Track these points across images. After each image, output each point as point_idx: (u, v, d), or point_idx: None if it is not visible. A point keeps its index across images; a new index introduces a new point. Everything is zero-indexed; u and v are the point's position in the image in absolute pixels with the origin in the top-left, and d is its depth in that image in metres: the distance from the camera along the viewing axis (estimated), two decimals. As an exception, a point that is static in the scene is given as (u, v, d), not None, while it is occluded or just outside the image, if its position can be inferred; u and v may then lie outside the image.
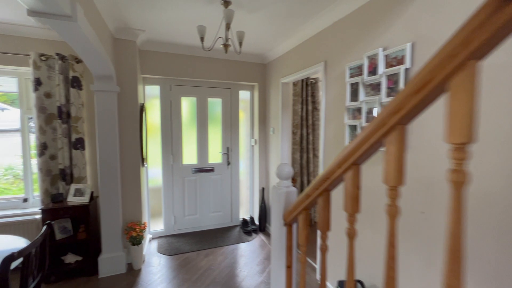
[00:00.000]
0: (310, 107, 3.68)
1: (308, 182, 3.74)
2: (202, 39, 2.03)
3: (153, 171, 3.33)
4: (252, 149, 3.79)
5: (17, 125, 2.77)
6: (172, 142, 3.34)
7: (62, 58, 2.54)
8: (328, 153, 2.27)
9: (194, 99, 3.43)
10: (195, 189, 3.51)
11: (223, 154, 3.62)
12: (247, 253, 2.98)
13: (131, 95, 2.65)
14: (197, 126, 3.46)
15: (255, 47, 3.09)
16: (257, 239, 3.34)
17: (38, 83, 2.49)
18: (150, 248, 3.07)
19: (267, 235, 3.46)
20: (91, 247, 2.53)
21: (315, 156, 3.77)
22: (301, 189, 3.72)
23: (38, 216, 2.58)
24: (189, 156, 3.47)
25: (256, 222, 3.67)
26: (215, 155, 3.60)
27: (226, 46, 1.98)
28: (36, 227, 2.58)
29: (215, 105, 3.55)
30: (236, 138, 3.68)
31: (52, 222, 1.61)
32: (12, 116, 2.89)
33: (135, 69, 2.66)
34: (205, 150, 3.52)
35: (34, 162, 2.79)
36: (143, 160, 2.85)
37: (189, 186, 3.47)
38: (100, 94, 2.43)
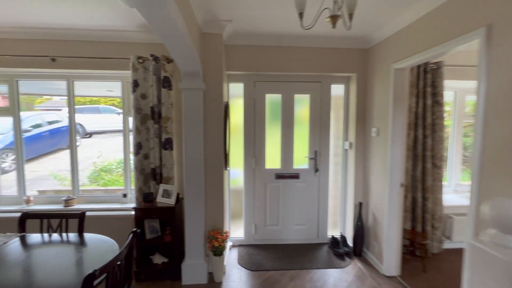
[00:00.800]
0: (429, 101, 2.78)
1: (424, 199, 2.83)
2: (301, 15, 1.59)
3: (233, 172, 3.13)
4: (346, 154, 3.15)
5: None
6: (255, 145, 3.06)
7: (156, 59, 2.57)
8: (491, 169, 1.46)
9: (278, 96, 3.06)
10: (278, 197, 3.13)
11: (310, 159, 3.12)
12: (342, 284, 2.39)
13: (216, 93, 2.46)
14: (282, 127, 3.08)
15: (355, 28, 2.48)
16: (353, 267, 2.69)
17: (135, 84, 2.58)
18: (230, 258, 2.85)
19: (366, 262, 2.76)
20: (175, 250, 2.45)
21: (435, 166, 2.82)
22: (413, 208, 2.85)
23: (133, 212, 2.68)
24: (272, 160, 3.12)
25: (350, 243, 3.01)
26: (300, 160, 3.14)
27: (334, 18, 1.48)
28: (131, 223, 2.69)
29: (302, 102, 3.09)
30: (326, 140, 3.11)
31: (137, 230, 1.47)
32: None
33: (221, 65, 2.46)
34: (289, 153, 3.10)
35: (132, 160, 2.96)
36: (226, 162, 2.65)
37: (272, 193, 3.12)
38: (187, 92, 2.31)
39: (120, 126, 3.03)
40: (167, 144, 2.62)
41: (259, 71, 2.84)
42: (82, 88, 3.08)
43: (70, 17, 2.29)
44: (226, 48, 2.75)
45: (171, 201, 2.46)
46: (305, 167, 3.14)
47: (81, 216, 1.86)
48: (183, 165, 2.41)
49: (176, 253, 2.47)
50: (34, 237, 1.76)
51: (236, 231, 3.18)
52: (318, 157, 3.12)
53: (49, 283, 1.26)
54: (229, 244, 3.05)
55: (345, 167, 3.16)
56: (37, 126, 6.81)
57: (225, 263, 2.54)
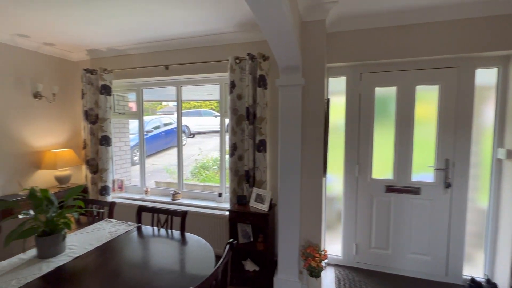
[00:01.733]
0: None
1: None
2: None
3: (328, 177, 2.72)
4: (498, 166, 2.23)
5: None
6: (359, 149, 2.56)
7: (252, 57, 2.48)
8: None
9: (392, 89, 2.45)
10: (388, 215, 2.52)
11: (438, 170, 2.37)
12: None
13: (316, 89, 2.15)
14: (396, 127, 2.46)
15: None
16: (515, 333, 1.83)
17: (232, 85, 2.57)
18: (326, 279, 2.47)
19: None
20: (267, 260, 2.28)
21: None
22: None
23: (227, 213, 2.69)
24: (381, 168, 2.54)
25: (504, 294, 2.10)
26: (422, 170, 2.43)
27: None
28: (225, 224, 2.70)
29: (427, 95, 2.38)
30: (465, 146, 2.29)
31: (234, 242, 1.33)
32: (219, 121, 3.25)
33: (323, 57, 2.12)
34: (406, 161, 2.45)
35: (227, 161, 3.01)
36: (325, 169, 2.29)
37: (380, 209, 2.54)
38: (284, 89, 2.09)
39: (216, 127, 3.15)
40: (260, 146, 2.49)
41: (368, 60, 2.33)
42: (187, 93, 3.36)
43: (180, 27, 2.46)
44: (328, 37, 2.39)
45: (264, 207, 2.30)
46: (429, 179, 2.41)
47: (183, 215, 1.91)
48: (278, 169, 2.21)
49: (268, 262, 2.30)
50: (147, 229, 1.91)
51: (331, 245, 2.76)
52: (450, 168, 2.33)
53: (157, 283, 1.26)
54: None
55: (496, 183, 2.24)
56: (157, 127, 8.23)
57: (322, 286, 2.19)
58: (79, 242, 1.67)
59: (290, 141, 2.11)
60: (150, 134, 7.79)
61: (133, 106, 3.92)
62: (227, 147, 2.86)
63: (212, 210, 2.83)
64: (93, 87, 3.18)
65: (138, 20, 2.33)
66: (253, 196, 2.43)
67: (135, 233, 1.83)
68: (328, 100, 2.32)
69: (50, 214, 1.46)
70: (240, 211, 2.34)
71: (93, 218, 2.12)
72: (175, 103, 3.23)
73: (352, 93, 2.54)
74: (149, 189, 3.35)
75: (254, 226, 2.45)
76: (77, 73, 3.43)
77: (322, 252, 2.11)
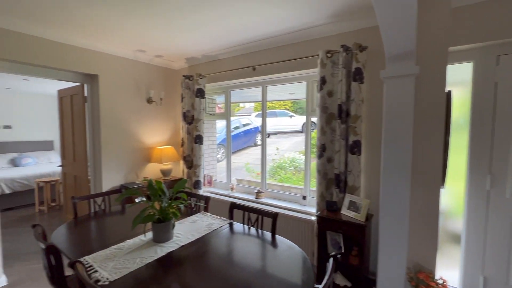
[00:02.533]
0: None
1: None
2: None
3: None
4: None
5: (297, 128, 2.97)
6: (492, 155, 1.97)
7: (346, 49, 2.24)
8: None
9: (551, 74, 1.78)
10: (540, 246, 1.85)
11: None
12: None
13: (434, 79, 1.75)
14: (558, 126, 1.77)
15: None
16: None
17: (323, 82, 2.39)
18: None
19: None
20: (361, 276, 2.01)
21: None
22: None
23: (313, 218, 2.52)
24: (530, 181, 1.88)
25: None
26: None
27: None
28: (310, 229, 2.54)
29: None
30: None
31: (338, 255, 1.16)
32: (295, 121, 3.15)
33: (445, 37, 1.71)
34: None
35: (312, 163, 2.85)
36: (444, 177, 1.85)
37: (525, 236, 1.89)
38: (391, 81, 1.78)
39: (291, 128, 3.02)
40: (354, 148, 2.23)
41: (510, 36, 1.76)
42: (269, 93, 3.36)
43: (267, 25, 2.45)
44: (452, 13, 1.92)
45: (360, 217, 2.04)
46: None
47: (274, 217, 1.86)
48: (381, 175, 1.91)
49: (363, 279, 2.02)
50: (239, 226, 1.95)
51: (440, 272, 2.22)
52: None
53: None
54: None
55: None
56: (236, 128, 8.75)
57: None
58: (183, 231, 1.82)
59: (398, 142, 1.78)
60: (231, 134, 8.35)
61: (220, 107, 4.21)
62: (309, 148, 2.69)
63: (297, 213, 2.72)
64: (190, 91, 3.55)
65: (228, 24, 2.43)
66: (346, 203, 2.19)
67: (227, 229, 1.89)
68: (449, 92, 1.86)
69: (163, 203, 1.63)
70: (330, 218, 2.14)
71: (192, 210, 2.32)
72: (251, 104, 3.28)
73: (484, 82, 1.98)
74: (234, 186, 3.51)
75: (346, 236, 2.20)
76: (178, 79, 3.91)
77: (440, 281, 1.70)
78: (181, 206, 1.68)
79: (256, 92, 3.34)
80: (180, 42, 2.93)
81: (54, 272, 1.40)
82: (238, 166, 7.57)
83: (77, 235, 1.84)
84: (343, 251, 2.18)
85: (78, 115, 3.25)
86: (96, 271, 1.33)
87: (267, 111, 3.35)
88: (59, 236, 1.78)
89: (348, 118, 2.28)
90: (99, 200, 2.43)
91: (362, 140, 2.26)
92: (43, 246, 1.38)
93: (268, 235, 1.81)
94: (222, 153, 6.98)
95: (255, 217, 2.00)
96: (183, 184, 1.77)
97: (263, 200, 3.09)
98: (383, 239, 1.86)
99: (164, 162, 3.54)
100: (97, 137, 3.13)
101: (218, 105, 4.13)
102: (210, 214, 2.18)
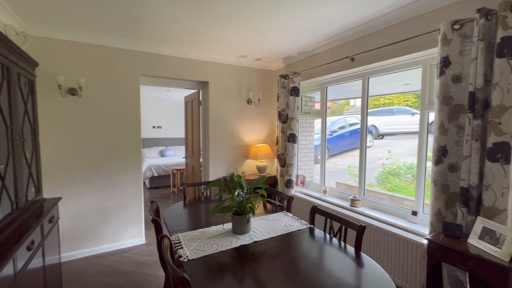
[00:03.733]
0: None
1: None
2: None
3: None
4: None
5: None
6: None
7: (486, 14, 1.59)
8: None
9: None
10: None
11: None
12: None
13: None
14: None
15: None
16: None
17: (445, 64, 1.80)
18: None
19: None
20: None
21: None
22: None
23: (424, 241, 1.95)
24: None
25: None
26: None
27: None
28: (417, 255, 1.98)
29: None
30: None
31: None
32: (417, 120, 2.54)
33: None
34: None
35: (429, 170, 2.22)
36: None
37: None
38: None
39: (412, 128, 2.41)
40: (497, 153, 1.56)
41: None
42: (375, 86, 2.87)
43: (369, 4, 2.08)
44: None
45: (503, 255, 1.39)
46: None
47: (359, 230, 1.56)
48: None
49: None
50: (319, 233, 1.76)
51: None
52: None
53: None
54: None
55: None
56: (342, 127, 8.12)
57: None
58: (260, 227, 1.83)
59: None
60: (335, 134, 7.84)
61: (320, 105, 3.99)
62: (429, 152, 2.09)
63: (401, 231, 2.19)
64: (285, 90, 3.57)
65: (322, 14, 2.23)
66: (477, 229, 1.56)
67: (306, 234, 1.75)
68: None
69: (240, 197, 1.69)
70: (450, 246, 1.58)
71: (275, 208, 2.31)
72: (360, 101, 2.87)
73: None
74: (327, 189, 3.25)
75: (474, 277, 1.57)
76: (274, 79, 4.03)
77: None
78: (257, 201, 1.68)
79: (357, 86, 2.95)
80: (276, 42, 2.98)
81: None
82: (341, 168, 7.01)
83: (181, 214, 2.20)
84: (469, 296, 1.56)
85: (195, 116, 3.94)
86: (182, 247, 1.53)
87: (381, 108, 2.90)
88: (169, 212, 2.20)
89: (486, 111, 1.62)
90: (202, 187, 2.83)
91: (513, 143, 1.54)
92: (151, 218, 1.73)
93: (351, 250, 1.54)
94: (324, 153, 6.66)
95: (338, 226, 1.75)
96: (261, 180, 1.78)
97: (359, 209, 2.68)
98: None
99: (260, 159, 3.73)
100: (207, 135, 3.67)
101: (318, 103, 3.96)
102: (291, 215, 2.10)
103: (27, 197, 1.74)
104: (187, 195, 4.22)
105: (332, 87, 3.30)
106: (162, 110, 7.76)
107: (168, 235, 1.47)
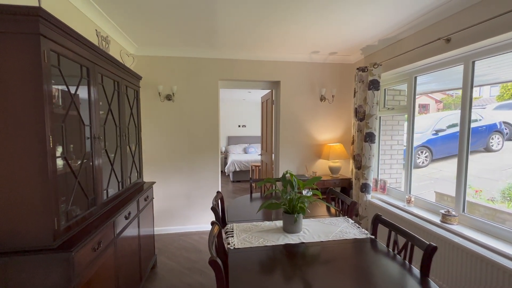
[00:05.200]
0: None
1: None
2: None
3: None
4: None
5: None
6: None
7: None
8: None
9: None
10: None
11: None
12: None
13: None
14: None
15: None
16: None
17: None
18: None
19: None
20: None
21: None
22: None
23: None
24: None
25: None
26: None
27: None
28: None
29: None
30: None
31: None
32: None
33: None
34: None
35: None
36: None
37: None
38: None
39: None
40: None
41: None
42: (486, 70, 2.21)
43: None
44: None
45: None
46: None
47: (428, 250, 1.27)
48: None
49: None
50: (380, 246, 1.54)
51: None
52: None
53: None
54: None
55: None
56: (452, 125, 6.60)
57: None
58: (312, 229, 1.76)
59: None
60: (441, 134, 6.44)
61: (430, 102, 3.41)
62: None
63: (506, 259, 1.62)
64: (363, 84, 3.22)
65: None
66: None
67: (363, 244, 1.56)
68: None
69: (289, 195, 1.68)
70: None
71: (338, 212, 2.15)
72: (490, 94, 2.27)
73: None
74: (412, 199, 2.74)
75: None
76: (351, 74, 3.69)
77: None
78: (306, 202, 1.63)
79: (458, 73, 2.35)
80: (352, 31, 2.74)
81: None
82: (447, 176, 5.71)
83: (243, 206, 2.37)
84: None
85: (269, 115, 4.09)
86: (232, 236, 1.66)
87: None
88: (234, 203, 2.40)
89: None
90: (268, 184, 2.94)
91: None
92: (212, 205, 1.95)
93: (417, 273, 1.27)
94: (426, 157, 5.58)
95: (403, 242, 1.48)
96: (314, 180, 1.71)
97: (453, 227, 2.15)
98: None
99: (332, 159, 3.52)
100: (278, 133, 3.76)
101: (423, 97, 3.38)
102: (352, 221, 1.90)
103: (131, 179, 2.29)
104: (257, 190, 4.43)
105: (423, 76, 2.74)
106: (245, 110, 8.40)
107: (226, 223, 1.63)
